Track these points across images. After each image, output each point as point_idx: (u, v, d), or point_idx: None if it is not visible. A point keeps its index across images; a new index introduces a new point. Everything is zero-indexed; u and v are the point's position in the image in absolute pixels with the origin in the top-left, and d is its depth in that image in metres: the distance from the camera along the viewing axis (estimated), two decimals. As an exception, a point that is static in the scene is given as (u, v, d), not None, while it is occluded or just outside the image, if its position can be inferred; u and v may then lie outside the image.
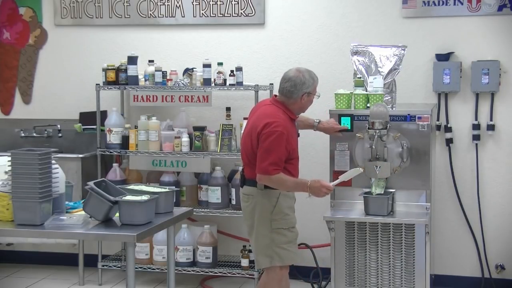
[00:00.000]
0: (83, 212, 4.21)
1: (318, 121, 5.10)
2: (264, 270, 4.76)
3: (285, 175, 4.52)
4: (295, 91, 4.59)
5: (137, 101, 6.30)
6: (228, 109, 6.02)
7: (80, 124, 6.46)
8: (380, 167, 5.09)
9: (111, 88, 6.13)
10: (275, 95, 4.74)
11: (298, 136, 4.81)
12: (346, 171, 4.93)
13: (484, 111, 5.85)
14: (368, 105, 5.27)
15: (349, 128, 5.20)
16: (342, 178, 4.74)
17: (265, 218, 4.60)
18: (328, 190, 4.56)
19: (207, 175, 6.07)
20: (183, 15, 6.35)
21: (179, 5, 6.34)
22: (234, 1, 6.23)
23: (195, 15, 6.32)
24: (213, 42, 6.33)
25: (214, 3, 6.27)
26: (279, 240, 4.61)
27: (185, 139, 5.93)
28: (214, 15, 6.28)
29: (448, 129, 5.88)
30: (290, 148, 4.55)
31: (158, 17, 6.39)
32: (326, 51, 6.12)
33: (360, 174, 5.11)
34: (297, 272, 6.07)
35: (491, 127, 5.82)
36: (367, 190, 5.17)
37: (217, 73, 5.88)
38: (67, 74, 6.65)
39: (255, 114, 4.69)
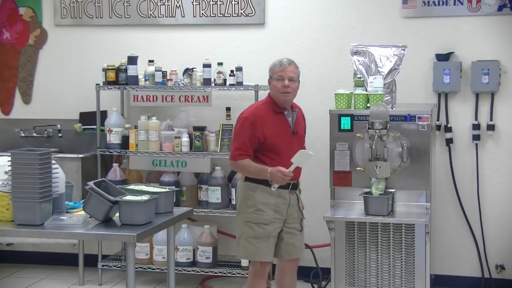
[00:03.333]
0: (83, 212, 4.21)
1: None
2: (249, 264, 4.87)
3: (251, 161, 4.59)
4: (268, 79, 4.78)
5: (137, 101, 6.30)
6: (228, 109, 6.02)
7: (80, 124, 6.46)
8: (380, 167, 5.09)
9: (111, 88, 6.13)
10: None
11: (294, 133, 4.73)
12: (347, 171, 4.93)
13: (484, 111, 5.85)
14: (368, 105, 5.27)
15: (349, 125, 5.20)
16: (294, 162, 4.56)
17: (240, 209, 4.74)
18: (283, 175, 4.52)
19: (207, 175, 6.07)
20: (183, 15, 6.35)
21: (179, 5, 6.34)
22: (234, 1, 6.23)
23: (195, 15, 6.32)
24: (213, 42, 6.33)
25: (214, 3, 6.28)
26: (247, 233, 4.67)
27: (185, 139, 5.93)
28: (214, 15, 6.29)
29: (448, 129, 5.88)
30: (261, 135, 4.59)
31: (158, 17, 6.39)
32: (326, 51, 6.12)
33: (360, 174, 5.13)
34: (297, 272, 6.06)
35: (491, 127, 5.81)
36: (367, 190, 5.17)
37: (217, 73, 5.88)
38: (67, 74, 6.65)
39: None
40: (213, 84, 5.92)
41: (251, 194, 4.66)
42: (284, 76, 4.67)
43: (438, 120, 5.88)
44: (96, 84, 6.13)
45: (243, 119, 4.67)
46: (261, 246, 4.67)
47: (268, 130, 4.63)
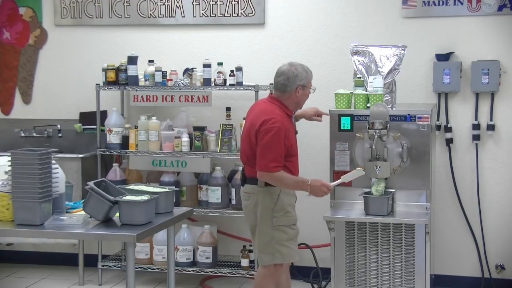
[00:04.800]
0: (83, 212, 4.21)
1: None
2: (259, 267, 4.79)
3: (286, 173, 4.53)
4: (288, 85, 4.60)
5: (137, 101, 6.30)
6: (228, 109, 6.02)
7: (80, 124, 6.46)
8: (380, 167, 5.09)
9: (111, 88, 6.13)
10: (271, 92, 4.75)
11: (296, 133, 4.79)
12: (347, 171, 4.94)
13: (484, 111, 5.85)
14: (368, 105, 5.27)
15: (349, 125, 5.20)
16: (343, 178, 4.75)
17: (266, 216, 4.62)
18: (328, 190, 4.57)
19: (207, 175, 6.07)
20: (183, 15, 6.35)
21: (179, 5, 6.34)
22: (234, 1, 6.23)
23: (195, 15, 6.32)
24: (213, 42, 6.33)
25: (214, 3, 6.28)
26: (280, 237, 4.62)
27: (185, 139, 5.93)
28: (214, 15, 6.29)
29: (448, 129, 5.88)
30: (289, 144, 4.55)
31: (158, 17, 6.39)
32: (326, 51, 6.12)
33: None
34: (297, 272, 6.07)
35: (491, 127, 5.82)
36: (367, 190, 5.17)
37: (217, 73, 5.88)
38: (67, 74, 6.65)
39: (252, 112, 4.72)
40: (213, 84, 5.92)
41: (276, 198, 4.60)
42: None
43: (438, 120, 5.89)
44: (96, 84, 6.13)
45: (276, 129, 4.48)
46: (295, 247, 4.69)
47: (292, 137, 4.63)
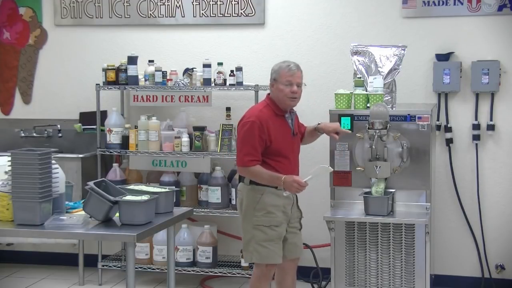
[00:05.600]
0: (83, 212, 4.21)
1: (318, 123, 4.98)
2: (253, 267, 4.80)
3: (262, 168, 4.54)
4: (270, 81, 4.70)
5: (137, 101, 6.30)
6: (228, 109, 6.02)
7: (80, 124, 6.46)
8: (380, 167, 5.09)
9: (111, 88, 6.13)
10: (268, 93, 4.78)
11: (295, 135, 4.74)
12: (347, 171, 4.94)
13: (484, 111, 5.85)
14: (368, 105, 5.27)
15: (349, 125, 5.19)
16: (312, 174, 4.58)
17: (248, 214, 4.65)
18: (299, 186, 4.53)
19: (207, 175, 6.07)
20: (183, 15, 6.35)
21: (179, 5, 6.34)
22: (234, 1, 6.24)
23: (195, 15, 6.33)
24: (213, 42, 6.33)
25: (214, 3, 6.28)
26: (259, 237, 4.62)
27: (185, 139, 5.93)
28: (214, 15, 6.29)
29: (448, 129, 5.88)
30: (267, 138, 4.55)
31: (158, 17, 6.40)
32: (326, 51, 6.12)
33: (360, 174, 5.13)
34: (297, 272, 6.06)
35: (491, 127, 5.81)
36: (367, 190, 5.17)
37: (217, 73, 5.88)
38: (67, 74, 6.65)
39: None
40: (213, 84, 5.93)
41: (259, 197, 4.61)
42: (293, 82, 4.61)
43: (438, 120, 5.89)
44: (96, 84, 6.13)
45: (249, 123, 4.55)
46: (274, 249, 4.65)
47: (273, 133, 4.60)
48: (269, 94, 4.76)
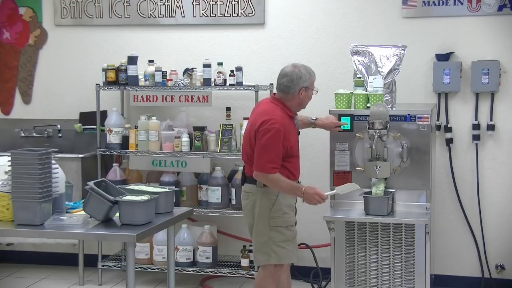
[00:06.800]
0: (83, 212, 4.21)
1: (315, 118, 5.08)
2: (260, 267, 4.78)
3: (282, 176, 4.53)
4: (292, 86, 4.60)
5: (137, 101, 6.30)
6: (228, 109, 6.02)
7: (80, 124, 6.46)
8: (380, 167, 5.09)
9: (111, 88, 6.13)
10: (274, 93, 4.76)
11: (299, 134, 4.80)
12: (347, 171, 4.94)
13: (484, 111, 5.85)
14: (368, 105, 5.27)
15: (349, 125, 5.20)
16: (337, 190, 4.78)
17: (264, 216, 4.62)
18: (320, 199, 4.59)
19: (207, 175, 6.07)
20: (183, 15, 6.35)
21: (179, 5, 6.34)
22: (234, 1, 6.24)
23: (195, 15, 6.33)
24: (213, 42, 6.33)
25: (214, 3, 6.28)
26: (277, 238, 4.62)
27: (185, 139, 5.93)
28: (214, 15, 6.29)
29: (448, 129, 5.88)
30: (288, 145, 4.55)
31: (158, 17, 6.39)
32: (326, 51, 6.12)
33: (360, 174, 5.12)
34: (297, 272, 6.07)
35: (491, 127, 5.82)
36: (367, 190, 5.17)
37: (217, 73, 5.88)
38: (67, 74, 6.65)
39: (254, 112, 4.74)
40: (213, 84, 5.93)
41: (274, 199, 4.60)
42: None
43: (438, 120, 5.89)
44: (96, 84, 6.13)
45: (275, 130, 4.48)
46: (292, 248, 4.67)
47: (292, 139, 4.62)
48: (274, 94, 4.74)
